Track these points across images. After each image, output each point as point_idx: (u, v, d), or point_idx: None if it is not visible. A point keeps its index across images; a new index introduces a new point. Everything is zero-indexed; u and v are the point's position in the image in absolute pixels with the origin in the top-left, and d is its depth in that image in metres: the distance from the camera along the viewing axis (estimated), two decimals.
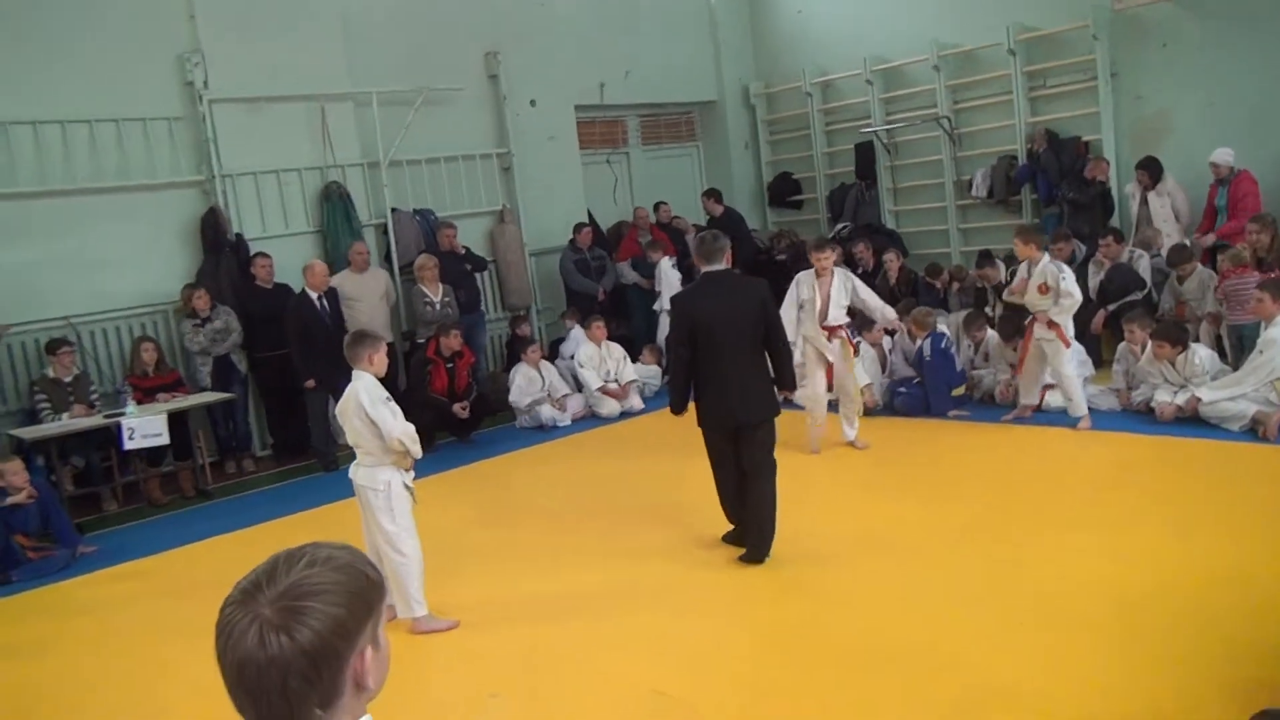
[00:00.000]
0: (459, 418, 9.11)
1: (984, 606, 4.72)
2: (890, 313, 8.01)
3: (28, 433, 7.77)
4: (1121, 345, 8.07)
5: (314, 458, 9.00)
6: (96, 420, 7.95)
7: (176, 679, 4.84)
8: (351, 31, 10.09)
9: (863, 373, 8.08)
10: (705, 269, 5.76)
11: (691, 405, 5.71)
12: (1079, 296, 7.53)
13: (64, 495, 7.57)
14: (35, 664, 5.34)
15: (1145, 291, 8.97)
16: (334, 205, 9.87)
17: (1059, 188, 10.53)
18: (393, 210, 10.35)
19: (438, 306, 9.69)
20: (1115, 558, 5.11)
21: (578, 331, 10.62)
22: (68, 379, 8.15)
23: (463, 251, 10.43)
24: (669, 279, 10.98)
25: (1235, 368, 7.54)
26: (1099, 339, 9.08)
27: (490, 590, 5.67)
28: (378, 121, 10.05)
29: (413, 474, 5.16)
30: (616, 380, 9.91)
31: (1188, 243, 9.13)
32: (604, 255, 11.46)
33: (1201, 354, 7.55)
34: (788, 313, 7.20)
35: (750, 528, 5.65)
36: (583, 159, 12.43)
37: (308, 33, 9.70)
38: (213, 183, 9.28)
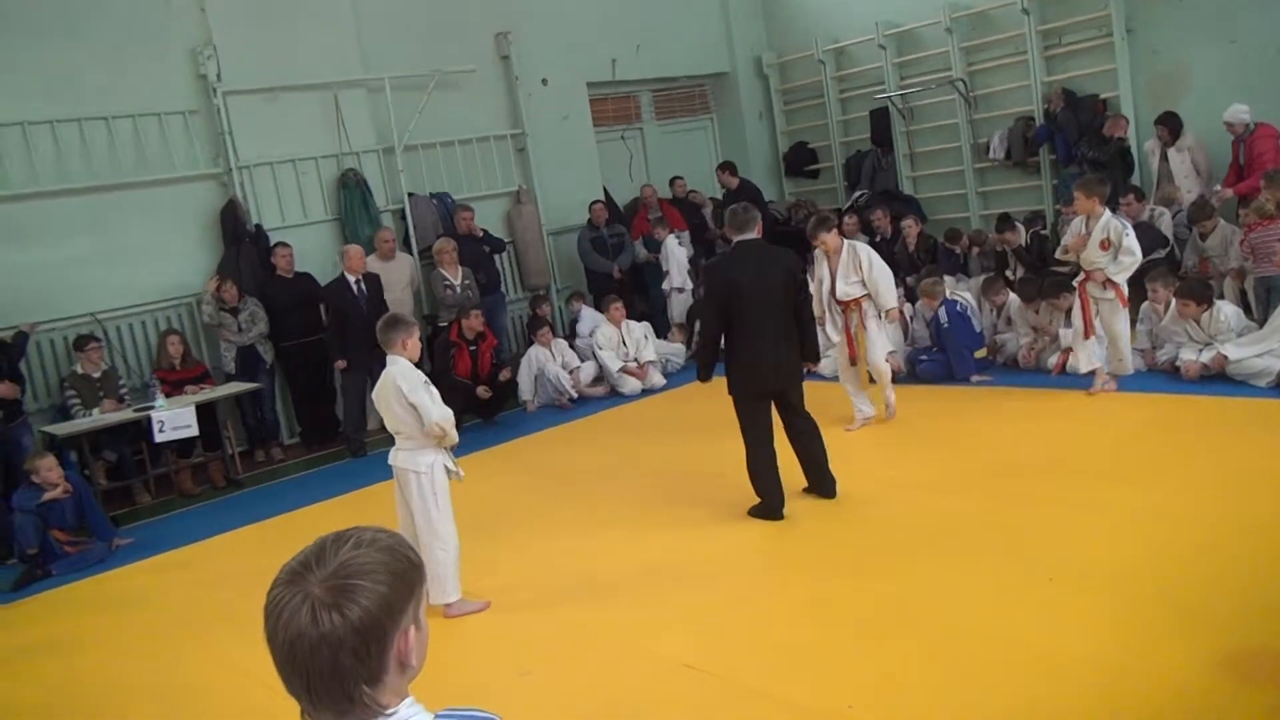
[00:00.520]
0: (482, 399, 9.17)
1: (1013, 570, 4.73)
2: (887, 301, 7.41)
3: (60, 429, 7.89)
4: (1145, 305, 7.99)
5: (342, 444, 9.09)
6: (126, 414, 8.05)
7: (220, 665, 4.93)
8: (362, 17, 10.12)
9: (884, 341, 7.90)
10: (738, 239, 5.90)
11: (719, 377, 5.75)
12: (1139, 255, 7.27)
13: (98, 489, 7.67)
14: (79, 657, 5.43)
15: (1168, 250, 8.88)
16: (351, 192, 9.91)
17: (1078, 146, 10.38)
18: (410, 195, 10.38)
19: (458, 289, 9.73)
20: (1159, 516, 5.10)
21: (588, 311, 10.65)
22: (96, 374, 8.26)
23: (480, 234, 10.44)
24: (675, 256, 10.96)
25: (1263, 322, 7.48)
26: None
27: (519, 570, 5.73)
28: (391, 107, 10.07)
29: (453, 454, 5.17)
30: (636, 360, 9.93)
31: (1210, 198, 9.01)
32: (622, 232, 11.43)
33: (1226, 310, 7.48)
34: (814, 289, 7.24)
35: (812, 473, 6.05)
36: (597, 136, 12.41)
37: (318, 20, 9.73)
38: (230, 174, 9.35)
